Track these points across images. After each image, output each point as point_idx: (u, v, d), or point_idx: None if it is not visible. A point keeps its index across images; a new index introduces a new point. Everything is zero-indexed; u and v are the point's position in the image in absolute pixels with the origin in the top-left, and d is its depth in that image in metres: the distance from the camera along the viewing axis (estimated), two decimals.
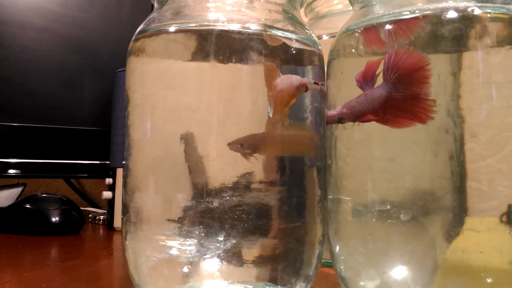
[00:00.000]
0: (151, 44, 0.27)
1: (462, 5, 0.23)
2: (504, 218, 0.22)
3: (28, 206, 0.54)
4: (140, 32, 0.28)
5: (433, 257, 0.23)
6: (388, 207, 0.24)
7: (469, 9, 0.23)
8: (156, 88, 0.27)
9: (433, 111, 0.23)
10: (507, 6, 0.23)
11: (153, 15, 0.28)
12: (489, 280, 0.22)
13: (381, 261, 0.24)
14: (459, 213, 0.23)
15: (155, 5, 0.29)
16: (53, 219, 0.53)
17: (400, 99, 0.24)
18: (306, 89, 0.27)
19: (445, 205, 0.23)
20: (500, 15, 0.23)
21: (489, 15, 0.23)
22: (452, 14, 0.23)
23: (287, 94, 0.26)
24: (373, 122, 0.25)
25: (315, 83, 0.27)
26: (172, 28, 0.27)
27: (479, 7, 0.23)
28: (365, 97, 0.25)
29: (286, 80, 0.26)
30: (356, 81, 0.25)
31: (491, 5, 0.23)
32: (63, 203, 0.55)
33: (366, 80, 0.25)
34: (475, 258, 0.22)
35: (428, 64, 0.23)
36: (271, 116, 0.26)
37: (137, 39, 0.28)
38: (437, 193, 0.23)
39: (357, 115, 0.25)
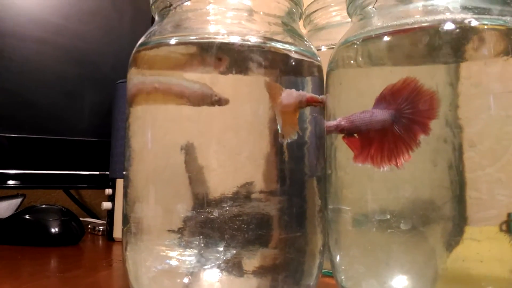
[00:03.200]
0: (152, 56, 0.27)
1: (459, 17, 0.23)
2: (504, 227, 0.22)
3: (27, 217, 0.53)
4: (141, 44, 0.28)
5: (433, 267, 0.23)
6: (388, 216, 0.24)
7: (466, 21, 0.23)
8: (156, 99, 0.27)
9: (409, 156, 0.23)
10: (503, 18, 0.23)
11: (154, 27, 0.29)
12: None
13: (381, 270, 0.24)
14: (459, 222, 0.23)
15: (156, 18, 0.30)
16: (53, 230, 0.52)
17: (395, 135, 0.24)
18: (309, 104, 0.27)
19: (445, 214, 0.23)
20: (497, 27, 0.23)
21: (486, 27, 0.23)
22: (449, 26, 0.23)
23: (293, 108, 0.26)
24: None
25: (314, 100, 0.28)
26: (173, 41, 0.27)
27: (476, 19, 0.23)
28: (370, 115, 0.25)
29: (290, 95, 0.26)
30: (381, 95, 0.25)
31: (488, 16, 0.24)
32: (62, 214, 0.55)
33: (383, 99, 0.25)
34: (475, 267, 0.22)
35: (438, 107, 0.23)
36: (280, 131, 0.26)
37: (138, 51, 0.28)
38: (436, 202, 0.23)
39: (353, 131, 0.25)
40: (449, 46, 0.23)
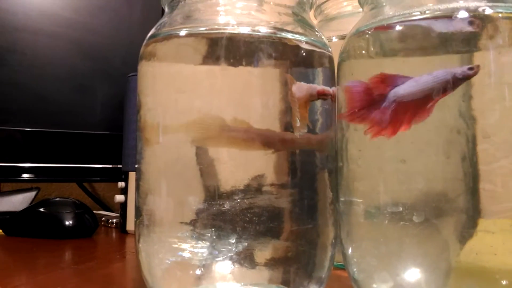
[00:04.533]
0: (162, 48, 0.27)
1: (473, 5, 0.23)
2: None
3: (42, 210, 0.54)
4: (151, 36, 0.28)
5: (446, 259, 0.23)
6: (401, 209, 0.24)
7: (480, 9, 0.23)
8: (168, 92, 0.27)
9: None
10: None
11: (164, 19, 0.29)
12: (504, 282, 0.22)
13: (394, 263, 0.24)
14: (473, 214, 0.23)
15: (166, 9, 0.30)
16: (67, 223, 0.53)
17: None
18: (320, 97, 0.27)
19: (458, 207, 0.23)
20: (511, 15, 0.23)
21: (500, 15, 0.23)
22: (463, 14, 0.23)
23: (304, 101, 0.26)
24: None
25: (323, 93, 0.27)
26: (182, 32, 0.27)
27: (490, 7, 0.23)
28: (432, 78, 0.23)
29: (301, 88, 0.26)
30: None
31: (503, 4, 0.23)
32: (76, 207, 0.55)
33: None
34: (489, 260, 0.22)
35: None
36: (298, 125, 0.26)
37: (148, 44, 0.28)
38: (449, 195, 0.23)
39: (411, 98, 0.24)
40: (462, 35, 0.23)
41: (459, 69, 0.23)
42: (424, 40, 0.24)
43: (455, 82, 0.23)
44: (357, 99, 0.26)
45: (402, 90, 0.24)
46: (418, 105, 0.23)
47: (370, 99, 0.25)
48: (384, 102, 0.24)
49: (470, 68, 0.23)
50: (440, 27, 0.23)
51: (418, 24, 0.24)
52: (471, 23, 0.23)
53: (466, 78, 0.23)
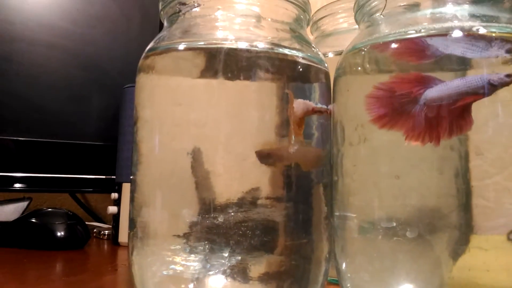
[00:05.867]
0: (160, 61, 0.28)
1: (467, 24, 0.23)
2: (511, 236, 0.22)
3: (33, 220, 0.54)
4: (150, 49, 0.28)
5: (439, 275, 0.23)
6: (394, 224, 0.24)
7: (474, 29, 0.23)
8: (165, 105, 0.27)
9: None
10: (511, 26, 0.23)
11: (163, 33, 0.29)
12: None
13: (387, 279, 0.24)
14: (466, 230, 0.23)
15: (165, 23, 0.30)
16: (58, 234, 0.53)
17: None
18: (315, 113, 0.27)
19: (452, 223, 0.23)
20: (505, 35, 0.23)
21: (494, 35, 0.23)
22: (457, 34, 0.23)
23: (299, 118, 0.27)
24: (381, 138, 0.25)
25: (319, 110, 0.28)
26: (181, 46, 0.27)
27: (484, 27, 0.23)
28: (465, 82, 0.23)
29: (298, 105, 0.27)
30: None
31: (496, 24, 0.23)
32: (68, 218, 0.55)
33: None
34: (482, 277, 0.22)
35: None
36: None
37: (147, 57, 0.28)
38: (443, 211, 0.23)
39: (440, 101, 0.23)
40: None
41: (495, 76, 0.22)
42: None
43: (490, 88, 0.22)
44: (381, 103, 0.25)
45: (431, 93, 0.23)
46: (453, 111, 0.23)
47: (395, 102, 0.24)
48: (412, 105, 0.23)
49: (508, 75, 0.22)
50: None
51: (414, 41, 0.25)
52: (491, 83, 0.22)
53: (503, 85, 0.22)
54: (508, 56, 0.22)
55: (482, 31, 0.23)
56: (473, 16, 0.24)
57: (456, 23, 0.24)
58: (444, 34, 0.23)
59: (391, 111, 0.24)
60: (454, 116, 0.23)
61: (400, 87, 0.24)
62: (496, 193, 0.22)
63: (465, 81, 0.23)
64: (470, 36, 0.23)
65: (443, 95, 0.23)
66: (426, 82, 0.23)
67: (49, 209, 0.57)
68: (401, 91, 0.24)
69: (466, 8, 0.24)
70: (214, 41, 0.27)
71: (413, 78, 0.24)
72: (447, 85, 0.23)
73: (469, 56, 0.23)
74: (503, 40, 0.23)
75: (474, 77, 0.22)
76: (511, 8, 0.24)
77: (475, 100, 0.22)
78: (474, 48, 0.23)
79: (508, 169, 0.22)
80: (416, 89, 0.24)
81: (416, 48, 0.24)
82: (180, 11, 0.28)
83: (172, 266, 0.25)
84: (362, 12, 0.28)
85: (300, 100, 0.27)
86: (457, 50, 0.23)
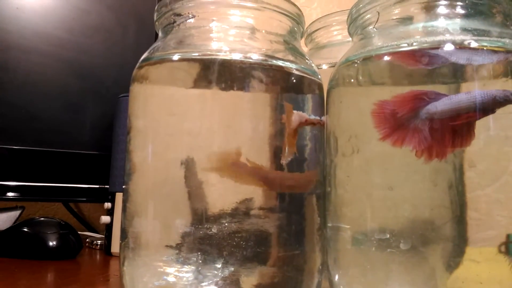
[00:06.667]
0: (154, 71, 0.28)
1: (459, 38, 0.24)
2: (503, 249, 0.22)
3: (25, 229, 0.53)
4: (144, 59, 0.28)
5: (433, 287, 0.23)
6: (388, 235, 0.24)
7: (466, 42, 0.23)
8: (159, 114, 0.27)
9: None
10: (502, 40, 0.24)
11: (157, 43, 0.29)
12: None
13: None
14: (459, 242, 0.23)
15: (160, 34, 0.30)
16: (51, 243, 0.52)
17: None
18: (308, 124, 0.28)
19: (445, 235, 0.23)
20: (496, 48, 0.24)
21: (485, 48, 0.23)
22: (449, 47, 0.23)
23: (293, 130, 0.27)
24: (374, 149, 0.25)
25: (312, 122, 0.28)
26: (175, 57, 0.27)
27: (476, 40, 0.23)
28: (474, 97, 0.22)
29: (293, 117, 0.27)
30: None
31: (487, 38, 0.24)
32: (60, 227, 0.54)
33: None
34: None
35: None
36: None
37: (141, 67, 0.28)
38: (436, 223, 0.23)
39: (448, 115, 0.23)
40: (449, 66, 0.24)
41: (501, 92, 0.22)
42: (411, 71, 0.25)
43: (495, 104, 0.22)
44: (385, 120, 0.25)
45: (434, 107, 0.23)
46: (457, 125, 0.23)
47: (399, 118, 0.24)
48: (416, 120, 0.23)
49: None
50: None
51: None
52: None
53: (508, 102, 0.22)
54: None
55: (474, 44, 0.23)
56: (464, 30, 0.24)
57: (448, 36, 0.24)
58: (436, 47, 0.24)
59: (397, 128, 0.24)
60: (458, 130, 0.23)
61: (402, 107, 0.24)
62: (487, 205, 0.22)
63: (469, 96, 0.23)
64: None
65: (447, 109, 0.23)
66: (427, 97, 0.24)
67: (42, 218, 0.57)
68: (403, 111, 0.24)
69: (458, 22, 0.25)
70: (209, 52, 0.27)
71: (413, 95, 0.24)
72: (450, 99, 0.23)
73: (475, 63, 0.23)
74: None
75: (479, 92, 0.22)
76: (502, 22, 0.25)
77: (480, 118, 0.22)
78: (480, 53, 0.23)
79: (499, 181, 0.22)
80: (418, 105, 0.24)
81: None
82: (175, 22, 0.28)
83: (164, 277, 0.25)
84: (355, 25, 0.29)
85: (294, 112, 0.27)
86: (462, 58, 0.23)
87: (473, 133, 0.23)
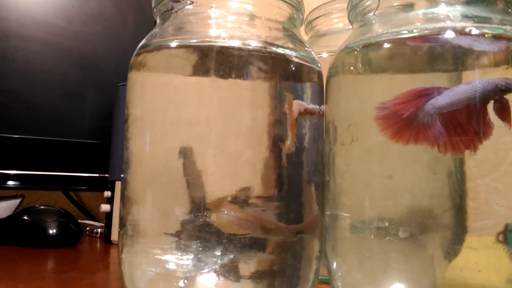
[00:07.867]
0: (152, 58, 0.28)
1: (459, 25, 0.23)
2: (501, 238, 0.22)
3: (26, 218, 0.53)
4: (142, 47, 0.28)
5: (431, 275, 0.23)
6: (387, 224, 0.24)
7: (467, 29, 0.23)
8: (156, 102, 0.27)
9: None
10: (504, 27, 0.23)
11: (155, 30, 0.29)
12: None
13: (379, 278, 0.24)
14: (458, 231, 0.23)
15: (158, 20, 0.30)
16: (51, 231, 0.52)
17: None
18: (307, 113, 0.27)
19: (443, 223, 0.23)
20: (497, 35, 0.23)
21: (486, 35, 0.23)
22: (450, 34, 0.23)
23: (292, 120, 0.27)
24: (373, 138, 0.25)
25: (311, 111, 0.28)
26: (173, 44, 0.27)
27: (477, 27, 0.23)
28: (472, 87, 0.22)
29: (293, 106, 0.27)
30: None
31: (488, 25, 0.24)
32: (60, 216, 0.54)
33: None
34: (473, 277, 0.22)
35: None
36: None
37: (138, 54, 0.28)
38: (435, 211, 0.23)
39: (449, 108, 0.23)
40: (449, 54, 0.23)
41: (503, 80, 0.22)
42: (411, 58, 0.24)
43: (497, 92, 0.22)
44: (392, 122, 0.24)
45: (439, 101, 0.23)
46: (469, 115, 0.22)
47: (406, 118, 0.24)
48: (424, 116, 0.23)
49: None
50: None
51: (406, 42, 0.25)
52: None
53: (510, 90, 0.22)
54: None
55: (475, 31, 0.23)
56: (465, 17, 0.24)
57: (448, 23, 0.24)
58: (437, 34, 0.23)
59: (407, 127, 0.24)
60: (475, 121, 0.23)
61: (405, 106, 0.24)
62: (486, 194, 0.22)
63: (471, 86, 0.22)
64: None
65: (452, 101, 0.23)
66: (428, 93, 0.23)
67: (42, 207, 0.57)
68: (407, 110, 0.24)
69: (459, 9, 0.24)
70: (207, 39, 0.27)
71: (414, 93, 0.24)
72: (453, 91, 0.23)
73: (476, 48, 0.23)
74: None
75: (481, 81, 0.22)
76: (504, 9, 0.24)
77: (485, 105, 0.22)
78: (482, 40, 0.23)
79: (498, 171, 0.22)
80: (421, 102, 0.23)
81: None
82: (173, 8, 0.28)
83: (164, 265, 0.25)
84: (355, 12, 0.28)
85: (294, 101, 0.27)
86: (464, 41, 0.23)
87: (490, 121, 0.22)
